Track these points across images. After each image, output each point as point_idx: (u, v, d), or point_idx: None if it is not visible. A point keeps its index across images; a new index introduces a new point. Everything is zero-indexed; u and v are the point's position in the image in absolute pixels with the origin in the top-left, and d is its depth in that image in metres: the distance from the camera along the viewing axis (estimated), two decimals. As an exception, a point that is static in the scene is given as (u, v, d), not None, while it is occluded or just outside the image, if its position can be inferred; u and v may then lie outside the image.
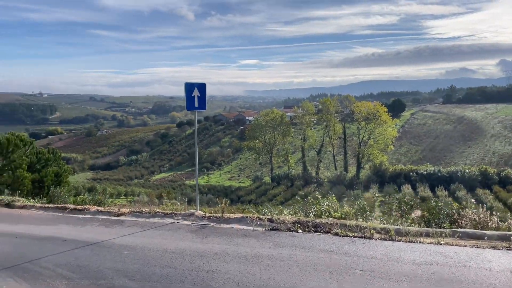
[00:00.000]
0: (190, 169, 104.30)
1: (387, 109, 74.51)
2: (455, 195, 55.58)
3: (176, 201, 41.67)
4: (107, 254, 6.97)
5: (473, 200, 52.56)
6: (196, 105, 8.96)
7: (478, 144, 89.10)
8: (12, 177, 15.90)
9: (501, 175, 61.20)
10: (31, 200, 11.40)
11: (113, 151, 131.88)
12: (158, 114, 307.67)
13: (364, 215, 8.61)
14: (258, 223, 8.14)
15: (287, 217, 8.41)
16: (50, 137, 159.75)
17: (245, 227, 8.11)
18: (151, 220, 9.04)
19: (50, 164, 17.26)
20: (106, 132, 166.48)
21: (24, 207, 10.46)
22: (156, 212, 9.49)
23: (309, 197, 9.87)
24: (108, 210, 9.95)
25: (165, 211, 9.65)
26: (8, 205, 10.79)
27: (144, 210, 9.70)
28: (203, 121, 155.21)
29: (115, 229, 8.53)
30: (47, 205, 10.58)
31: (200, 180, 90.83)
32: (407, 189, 61.27)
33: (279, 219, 8.24)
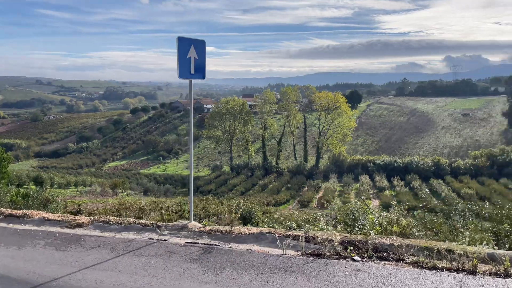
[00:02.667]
0: (145, 158, 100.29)
1: (346, 100, 75.03)
2: (411, 185, 57.03)
3: (131, 191, 38.71)
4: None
5: (427, 190, 54.05)
6: (192, 71, 6.25)
7: (430, 136, 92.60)
8: None
9: (453, 166, 63.60)
10: None
11: (61, 137, 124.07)
12: (110, 100, 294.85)
13: (429, 231, 6.30)
14: (290, 243, 5.63)
15: (331, 235, 5.92)
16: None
17: (271, 250, 5.68)
18: (124, 235, 6.56)
19: (-16, 152, 14.58)
20: (53, 117, 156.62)
21: None
22: (130, 223, 6.98)
23: (338, 202, 7.92)
24: (59, 219, 7.27)
25: (143, 221, 7.13)
26: None
27: (112, 219, 7.21)
28: (158, 108, 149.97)
29: (71, 253, 5.84)
30: None
31: (155, 169, 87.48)
32: (365, 179, 62.17)
33: (317, 236, 5.82)
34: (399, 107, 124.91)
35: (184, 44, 6.21)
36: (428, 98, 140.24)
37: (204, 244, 6.03)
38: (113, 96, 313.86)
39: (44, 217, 7.36)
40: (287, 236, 5.95)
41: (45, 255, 5.83)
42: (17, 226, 7.05)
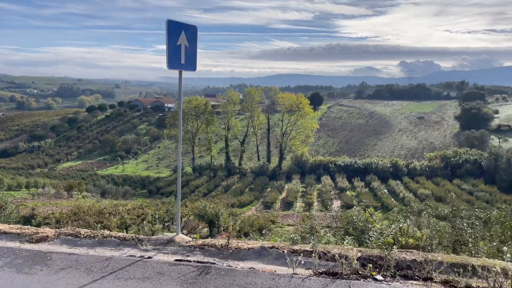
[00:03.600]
0: (102, 158, 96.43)
1: (309, 102, 75.83)
2: (371, 185, 58.43)
3: (88, 193, 36.78)
4: None
5: (385, 191, 55.33)
6: (183, 60, 5.48)
7: (388, 138, 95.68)
8: None
9: (409, 167, 65.94)
10: None
11: (11, 136, 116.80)
12: (65, 98, 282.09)
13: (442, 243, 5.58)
14: (299, 260, 4.86)
15: (346, 249, 5.23)
16: None
17: (277, 269, 4.88)
18: (99, 251, 5.54)
19: None
20: (2, 114, 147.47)
21: None
22: (105, 236, 5.91)
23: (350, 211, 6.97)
24: (18, 231, 6.06)
25: (120, 234, 6.06)
26: None
27: (83, 232, 6.08)
28: (116, 106, 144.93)
29: (37, 277, 4.72)
30: None
31: (113, 170, 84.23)
32: (326, 179, 63.06)
33: (328, 251, 5.09)
34: (359, 109, 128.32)
35: (174, 29, 5.33)
36: (385, 101, 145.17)
37: (198, 262, 5.11)
38: (68, 93, 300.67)
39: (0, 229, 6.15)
40: (294, 252, 5.14)
41: (4, 279, 4.65)
42: None
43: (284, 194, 57.30)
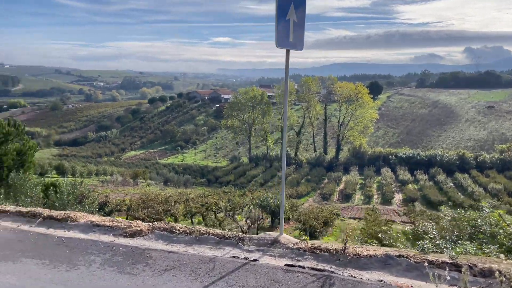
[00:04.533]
0: (163, 147, 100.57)
1: (368, 91, 73.25)
2: (435, 179, 55.41)
3: (152, 181, 38.48)
4: None
5: (451, 185, 52.14)
6: (291, 38, 4.97)
7: (453, 129, 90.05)
8: (-38, 154, 12.71)
9: (478, 160, 61.55)
10: None
11: (80, 126, 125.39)
12: (128, 90, 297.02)
13: None
14: (445, 276, 3.70)
15: (497, 262, 4.31)
16: (12, 110, 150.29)
17: (415, 284, 4.12)
18: (198, 250, 5.17)
19: (11, 140, 14.10)
20: (73, 106, 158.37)
21: None
22: (202, 233, 5.49)
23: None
24: (111, 224, 5.88)
25: (218, 231, 5.61)
26: None
27: (177, 227, 5.73)
28: (176, 98, 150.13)
29: (141, 279, 4.40)
30: (3, 207, 6.57)
31: (174, 159, 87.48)
32: (387, 172, 60.80)
33: (475, 265, 4.24)
34: (421, 98, 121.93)
35: (283, 1, 4.83)
36: (450, 90, 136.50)
37: (313, 269, 4.50)
38: (131, 86, 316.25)
39: (91, 221, 5.98)
40: (430, 263, 4.35)
41: (107, 281, 4.32)
42: (60, 233, 5.73)
43: (342, 186, 56.19)
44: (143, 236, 5.60)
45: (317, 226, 16.07)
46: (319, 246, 4.97)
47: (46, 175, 34.95)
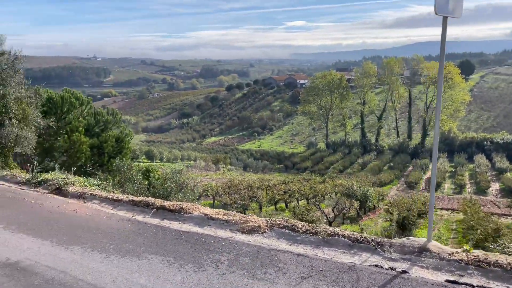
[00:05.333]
0: (241, 133, 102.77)
1: (459, 71, 66.95)
2: (540, 167, 49.38)
3: (232, 166, 39.16)
4: None
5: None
6: (450, 5, 4.37)
7: (562, 111, 79.24)
8: (68, 142, 13.78)
9: None
10: (91, 182, 7.63)
11: (164, 114, 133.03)
12: (206, 78, 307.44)
13: None
14: None
15: None
16: (105, 99, 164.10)
17: None
18: (329, 254, 4.49)
19: (109, 127, 15.00)
20: (157, 95, 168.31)
21: (81, 196, 6.75)
22: (330, 234, 4.80)
23: None
24: (225, 217, 5.56)
25: (348, 232, 4.84)
26: (59, 190, 7.09)
27: (299, 224, 5.19)
28: (252, 84, 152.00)
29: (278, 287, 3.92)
30: (117, 195, 6.62)
31: (251, 145, 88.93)
32: (481, 159, 55.51)
33: None
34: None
35: None
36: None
37: None
38: (209, 74, 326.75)
39: (204, 214, 5.68)
40: None
41: (239, 286, 3.92)
42: (176, 225, 5.52)
43: (428, 174, 52.59)
44: (262, 233, 5.16)
45: (411, 218, 14.87)
46: (485, 258, 4.03)
47: (138, 160, 37.64)
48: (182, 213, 5.83)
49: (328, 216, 15.99)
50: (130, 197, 6.44)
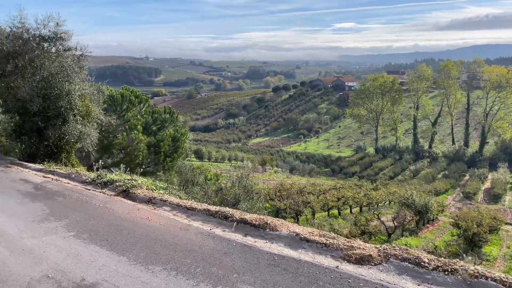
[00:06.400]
0: (286, 135, 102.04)
1: (525, 75, 62.26)
2: None
3: (278, 168, 38.64)
4: None
5: None
6: None
7: None
8: (127, 139, 13.95)
9: None
10: (158, 185, 7.14)
11: (211, 114, 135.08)
12: (252, 79, 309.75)
13: None
14: None
15: None
16: (156, 98, 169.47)
17: None
18: None
19: (166, 126, 15.06)
20: (205, 95, 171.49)
21: (150, 201, 6.28)
22: (474, 275, 3.65)
23: None
24: (324, 241, 4.64)
25: (495, 273, 3.61)
26: (127, 192, 6.73)
27: (426, 259, 4.07)
28: (299, 86, 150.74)
29: None
30: (189, 203, 5.98)
31: (297, 147, 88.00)
32: (547, 171, 51.30)
33: None
34: None
35: None
36: None
37: None
38: (255, 75, 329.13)
39: (295, 233, 4.83)
40: None
41: None
42: (264, 246, 4.73)
43: (487, 184, 49.35)
44: (375, 265, 4.17)
45: (481, 233, 13.64)
46: None
47: (187, 158, 38.16)
48: (267, 229, 5.05)
49: (387, 228, 15.05)
50: (205, 206, 5.88)
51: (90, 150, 11.57)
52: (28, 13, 10.84)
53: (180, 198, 6.49)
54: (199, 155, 41.21)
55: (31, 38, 10.86)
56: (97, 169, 8.81)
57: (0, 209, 6.15)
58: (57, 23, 10.86)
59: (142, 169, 14.55)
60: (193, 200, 6.50)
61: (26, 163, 9.86)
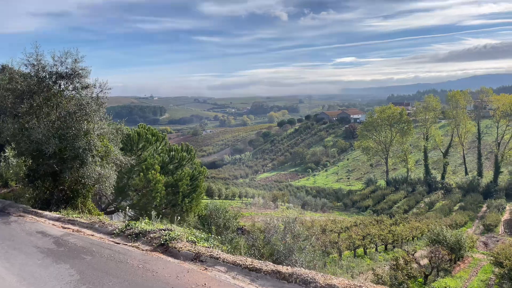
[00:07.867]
0: (293, 169, 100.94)
1: (534, 103, 61.75)
2: None
3: (290, 204, 37.31)
4: None
5: None
6: None
7: None
8: (144, 180, 13.15)
9: None
10: (198, 236, 5.98)
11: (217, 150, 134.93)
12: (256, 114, 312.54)
13: None
14: None
15: None
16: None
17: None
18: None
19: (184, 164, 14.28)
20: (210, 131, 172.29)
21: (197, 258, 5.25)
22: None
23: None
24: None
25: None
26: (165, 247, 5.65)
27: None
28: (304, 120, 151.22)
29: None
30: (250, 262, 4.78)
31: (305, 181, 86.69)
32: None
33: None
34: None
35: None
36: None
37: None
38: (259, 110, 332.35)
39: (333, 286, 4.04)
40: None
41: None
42: None
43: (507, 215, 47.63)
44: None
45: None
46: None
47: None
48: (302, 283, 4.14)
49: (424, 268, 13.84)
50: (271, 266, 4.63)
51: (108, 193, 10.75)
52: (44, 50, 10.40)
53: (231, 253, 5.39)
54: (208, 193, 40.22)
55: (47, 76, 10.35)
56: (112, 212, 7.93)
57: (18, 274, 5.08)
58: (75, 59, 10.37)
59: (158, 211, 13.67)
60: (240, 254, 5.48)
61: (40, 211, 9.00)
